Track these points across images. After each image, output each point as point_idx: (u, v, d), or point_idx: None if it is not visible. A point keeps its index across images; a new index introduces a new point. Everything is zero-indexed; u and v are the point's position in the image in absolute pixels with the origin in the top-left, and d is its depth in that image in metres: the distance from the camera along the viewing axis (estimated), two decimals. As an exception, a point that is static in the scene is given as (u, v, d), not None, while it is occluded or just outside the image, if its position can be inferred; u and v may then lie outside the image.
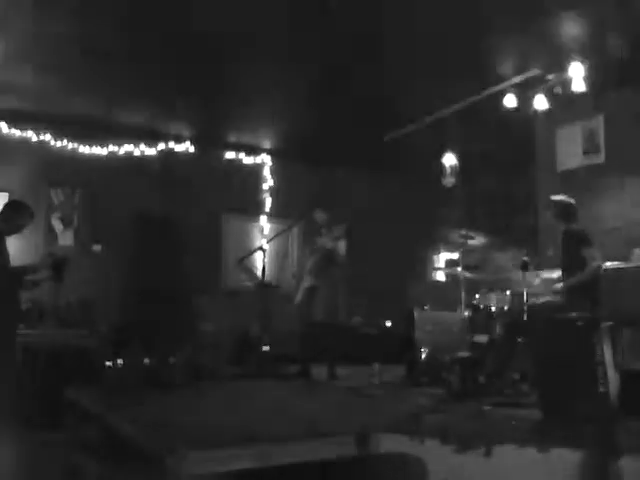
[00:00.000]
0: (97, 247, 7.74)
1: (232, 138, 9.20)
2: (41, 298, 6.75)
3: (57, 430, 5.21)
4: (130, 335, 6.01)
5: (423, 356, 5.82)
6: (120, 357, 5.33)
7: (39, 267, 5.21)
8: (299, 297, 6.55)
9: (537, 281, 5.55)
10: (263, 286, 7.12)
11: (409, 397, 5.11)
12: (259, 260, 7.26)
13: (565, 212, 5.42)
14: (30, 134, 8.00)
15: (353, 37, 5.88)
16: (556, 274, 5.59)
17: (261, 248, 7.17)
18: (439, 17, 5.51)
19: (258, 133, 9.07)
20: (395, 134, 8.46)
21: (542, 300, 5.30)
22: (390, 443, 3.40)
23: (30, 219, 5.25)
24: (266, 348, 6.74)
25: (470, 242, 6.25)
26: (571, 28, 5.79)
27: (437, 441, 3.33)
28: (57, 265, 5.18)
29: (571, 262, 5.29)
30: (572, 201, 5.47)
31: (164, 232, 8.00)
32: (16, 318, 5.16)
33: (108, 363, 5.38)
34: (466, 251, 6.39)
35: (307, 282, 6.52)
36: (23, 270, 5.07)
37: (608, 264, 5.74)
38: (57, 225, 8.14)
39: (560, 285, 5.30)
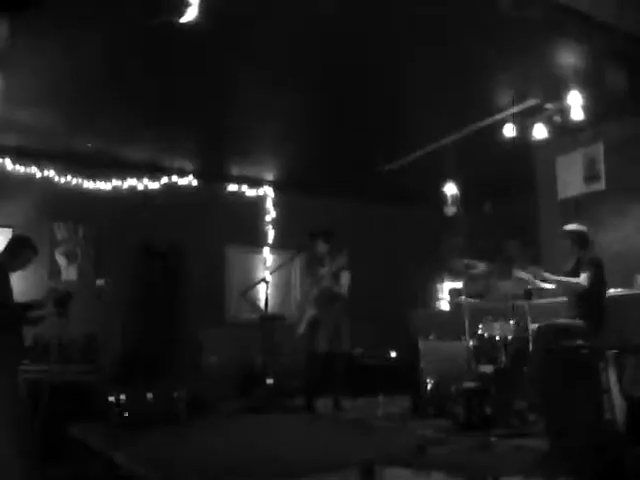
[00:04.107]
0: (101, 282, 7.75)
1: (234, 171, 9.27)
2: (45, 334, 6.75)
3: (61, 466, 5.17)
4: (133, 370, 5.99)
5: (428, 387, 5.78)
6: (123, 392, 5.29)
7: (43, 303, 5.19)
8: (302, 328, 6.53)
9: (541, 309, 5.55)
10: (267, 318, 7.11)
11: (414, 429, 5.07)
12: (262, 292, 7.26)
13: (578, 240, 5.57)
14: (34, 170, 8.06)
15: (353, 68, 5.95)
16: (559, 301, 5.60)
17: (264, 280, 7.18)
18: (438, 48, 5.57)
19: (260, 166, 9.13)
20: (396, 164, 8.51)
21: (547, 328, 5.28)
22: (396, 476, 3.37)
23: (34, 254, 5.26)
24: (270, 381, 6.71)
25: (473, 271, 6.24)
26: (569, 57, 5.86)
27: (443, 473, 3.30)
28: (61, 300, 5.17)
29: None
30: (584, 229, 5.62)
31: (167, 265, 8.02)
32: (20, 354, 5.15)
33: (111, 398, 5.34)
34: (469, 280, 6.38)
35: (310, 313, 6.51)
36: (27, 306, 5.06)
37: (611, 291, 5.74)
38: (61, 260, 8.16)
39: (546, 274, 5.45)
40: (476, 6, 4.71)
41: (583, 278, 5.21)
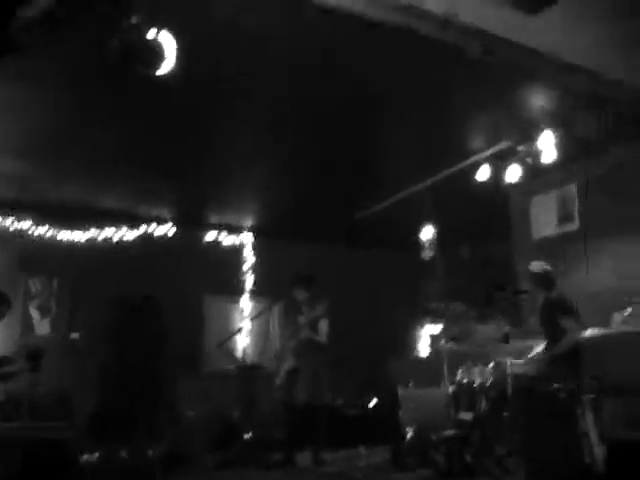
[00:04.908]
0: (75, 335, 7.61)
1: (213, 218, 9.24)
2: (16, 390, 6.57)
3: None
4: (107, 426, 5.84)
5: (409, 435, 5.67)
6: (96, 450, 5.14)
7: (14, 358, 5.11)
8: (281, 379, 6.41)
9: (519, 352, 5.50)
10: (245, 368, 7.00)
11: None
12: (240, 341, 7.16)
13: (543, 280, 5.43)
14: (9, 222, 7.95)
15: (331, 116, 6.00)
16: (538, 344, 5.55)
17: (241, 329, 7.08)
18: (412, 94, 5.64)
19: (238, 212, 9.12)
20: (372, 210, 8.55)
21: (525, 372, 5.23)
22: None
23: (7, 309, 5.20)
24: (248, 434, 6.54)
25: (451, 314, 6.22)
26: (540, 100, 5.95)
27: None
28: (32, 356, 5.08)
29: (551, 331, 5.27)
30: (549, 268, 5.49)
31: (144, 317, 7.90)
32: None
33: (85, 457, 5.19)
34: (448, 324, 6.35)
35: (289, 363, 6.39)
36: (-2, 362, 4.96)
37: (589, 331, 5.71)
38: (34, 314, 7.99)
39: (534, 354, 5.28)
40: (447, 52, 4.76)
41: (569, 326, 5.07)
